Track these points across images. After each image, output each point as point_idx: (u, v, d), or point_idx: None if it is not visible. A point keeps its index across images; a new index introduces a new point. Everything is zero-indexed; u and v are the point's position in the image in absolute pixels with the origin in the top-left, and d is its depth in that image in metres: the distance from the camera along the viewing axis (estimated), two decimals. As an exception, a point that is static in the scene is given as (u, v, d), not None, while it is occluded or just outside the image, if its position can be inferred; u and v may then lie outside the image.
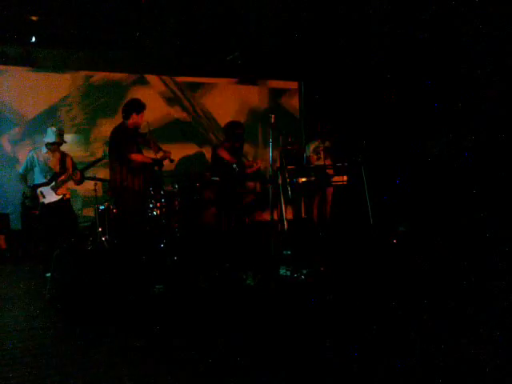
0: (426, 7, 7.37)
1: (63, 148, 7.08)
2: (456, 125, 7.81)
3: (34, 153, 6.94)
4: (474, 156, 7.53)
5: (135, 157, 6.16)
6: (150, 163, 6.32)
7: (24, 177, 6.91)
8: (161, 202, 6.94)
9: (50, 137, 6.83)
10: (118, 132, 6.28)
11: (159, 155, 6.40)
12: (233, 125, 7.65)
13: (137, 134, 6.39)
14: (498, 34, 7.14)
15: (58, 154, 6.93)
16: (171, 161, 6.53)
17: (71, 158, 7.14)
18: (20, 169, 7.06)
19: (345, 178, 7.55)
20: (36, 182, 6.83)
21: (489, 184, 7.32)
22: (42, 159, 6.84)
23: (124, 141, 6.15)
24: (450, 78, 7.82)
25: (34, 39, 8.24)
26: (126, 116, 6.29)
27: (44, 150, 6.90)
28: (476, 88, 7.58)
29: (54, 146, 6.85)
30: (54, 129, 6.90)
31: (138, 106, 6.30)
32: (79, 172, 6.91)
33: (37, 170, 6.84)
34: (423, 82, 8.10)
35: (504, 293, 4.80)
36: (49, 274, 6.46)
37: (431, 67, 8.00)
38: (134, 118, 6.25)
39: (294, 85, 11.19)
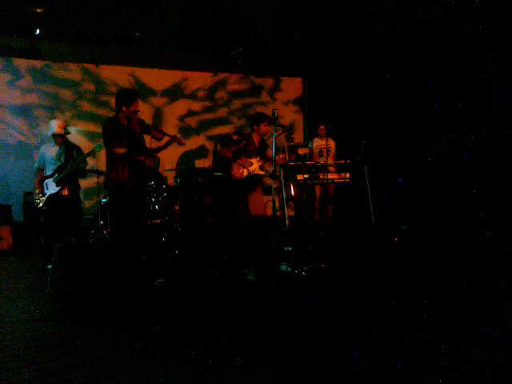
0: (426, 7, 7.36)
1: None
2: (456, 125, 7.82)
3: (43, 147, 7.09)
4: (474, 156, 7.53)
5: (118, 150, 5.77)
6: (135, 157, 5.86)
7: (39, 171, 7.03)
8: (162, 196, 6.96)
9: (53, 129, 6.90)
10: (106, 126, 5.92)
11: (162, 142, 6.10)
12: (257, 117, 7.18)
13: (129, 126, 5.93)
14: (498, 34, 7.13)
15: (63, 146, 6.97)
16: (180, 144, 6.19)
17: (79, 149, 7.14)
18: (35, 163, 7.20)
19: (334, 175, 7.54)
20: (46, 174, 6.96)
21: (489, 184, 7.33)
22: (49, 153, 6.94)
23: (110, 135, 5.80)
24: (450, 78, 7.83)
25: (38, 31, 8.24)
26: (117, 109, 5.88)
27: (52, 143, 6.98)
28: (476, 88, 7.58)
29: (58, 138, 6.90)
30: (56, 121, 7.00)
31: (127, 98, 5.84)
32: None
33: (47, 163, 6.95)
34: (423, 81, 8.10)
35: (504, 293, 4.81)
36: (50, 266, 6.51)
37: (431, 67, 8.00)
38: (123, 111, 5.82)
39: (297, 81, 11.22)
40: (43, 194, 6.87)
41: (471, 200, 7.42)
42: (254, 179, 6.98)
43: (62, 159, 6.92)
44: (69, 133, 7.08)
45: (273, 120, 6.33)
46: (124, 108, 5.82)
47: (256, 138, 7.03)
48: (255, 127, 7.00)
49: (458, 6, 7.10)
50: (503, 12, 6.91)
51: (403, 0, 7.37)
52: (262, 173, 7.20)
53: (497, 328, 3.83)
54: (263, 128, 6.90)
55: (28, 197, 6.89)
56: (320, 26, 8.30)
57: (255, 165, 6.98)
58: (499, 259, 5.97)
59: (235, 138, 7.65)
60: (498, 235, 6.74)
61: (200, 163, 10.04)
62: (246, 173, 6.93)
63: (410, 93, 8.38)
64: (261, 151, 7.09)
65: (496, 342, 3.61)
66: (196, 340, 3.80)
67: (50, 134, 6.92)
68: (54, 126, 6.90)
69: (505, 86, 7.23)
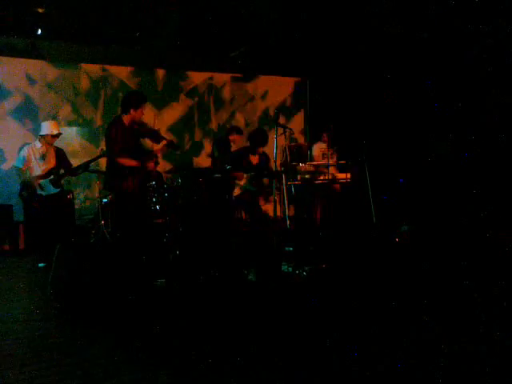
0: (426, 7, 7.36)
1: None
2: (457, 124, 7.81)
3: (27, 147, 7.06)
4: (474, 155, 7.53)
5: (122, 161, 5.65)
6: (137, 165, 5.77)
7: (22, 170, 7.00)
8: (163, 196, 6.95)
9: (45, 130, 6.94)
10: (111, 130, 5.78)
11: (159, 146, 6.08)
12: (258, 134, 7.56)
13: (133, 129, 5.86)
14: (498, 34, 7.13)
15: (52, 148, 7.00)
16: (176, 148, 6.19)
17: (63, 152, 7.27)
18: (16, 162, 7.13)
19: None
20: (35, 174, 6.95)
21: (490, 184, 7.32)
22: (37, 154, 6.94)
23: (116, 140, 5.68)
24: (450, 78, 7.82)
25: (39, 31, 8.23)
26: (124, 110, 5.77)
27: (38, 144, 6.98)
28: (476, 88, 7.58)
29: (48, 139, 6.94)
30: (50, 122, 7.06)
31: (136, 101, 5.76)
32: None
33: (34, 164, 6.95)
34: (424, 81, 8.10)
35: (504, 293, 4.80)
36: (42, 265, 6.55)
37: (431, 67, 8.00)
38: (131, 114, 5.74)
39: (299, 82, 11.22)
40: (37, 194, 6.86)
41: (472, 200, 7.41)
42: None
43: (55, 161, 7.00)
44: (61, 133, 7.12)
45: (275, 121, 6.43)
46: (132, 110, 5.75)
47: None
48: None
49: (458, 6, 7.09)
50: (503, 12, 6.91)
51: (403, 0, 7.37)
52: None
53: (497, 328, 3.83)
54: (232, 137, 7.77)
55: (22, 192, 6.92)
56: (321, 27, 8.30)
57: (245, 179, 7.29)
58: (499, 259, 5.97)
59: (232, 138, 7.78)
60: (497, 235, 6.74)
61: (198, 163, 10.08)
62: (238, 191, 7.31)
63: (410, 93, 8.37)
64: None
65: (496, 341, 3.61)
66: (196, 341, 3.80)
67: (43, 134, 6.92)
68: (49, 126, 6.92)
69: (505, 86, 7.23)
